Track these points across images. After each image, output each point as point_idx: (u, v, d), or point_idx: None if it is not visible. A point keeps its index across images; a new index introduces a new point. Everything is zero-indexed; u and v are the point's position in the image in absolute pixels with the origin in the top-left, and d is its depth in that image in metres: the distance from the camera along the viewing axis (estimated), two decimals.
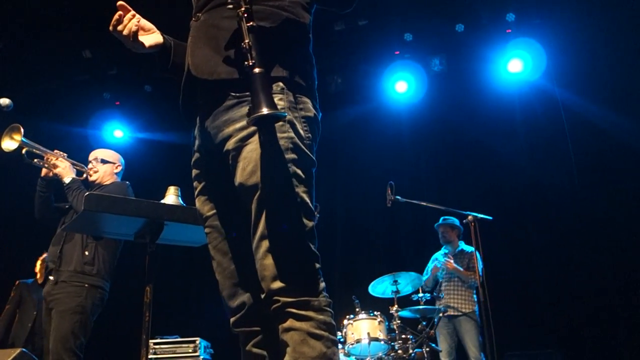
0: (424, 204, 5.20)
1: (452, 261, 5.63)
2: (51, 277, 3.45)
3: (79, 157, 3.86)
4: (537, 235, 6.85)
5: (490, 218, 5.01)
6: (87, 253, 3.44)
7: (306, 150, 1.79)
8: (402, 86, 7.28)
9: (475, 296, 5.55)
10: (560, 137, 6.82)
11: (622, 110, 6.48)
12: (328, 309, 1.81)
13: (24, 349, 1.86)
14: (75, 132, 7.48)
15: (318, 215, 5.55)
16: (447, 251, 5.87)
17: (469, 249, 5.75)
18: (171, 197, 2.51)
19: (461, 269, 5.54)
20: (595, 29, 6.62)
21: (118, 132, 7.93)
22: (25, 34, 6.61)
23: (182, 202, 2.52)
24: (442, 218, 6.00)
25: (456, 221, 5.91)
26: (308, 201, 1.75)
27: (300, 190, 1.73)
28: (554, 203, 6.87)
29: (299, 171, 1.74)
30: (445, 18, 6.88)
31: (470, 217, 4.97)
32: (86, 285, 3.39)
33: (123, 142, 7.89)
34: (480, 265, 5.52)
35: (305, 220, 1.73)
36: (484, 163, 7.09)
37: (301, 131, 1.78)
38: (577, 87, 6.75)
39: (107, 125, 7.86)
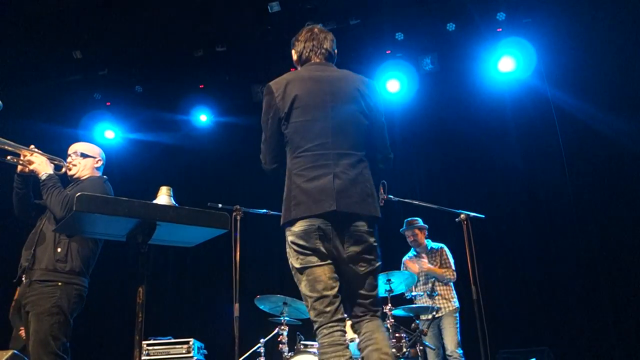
0: (417, 202, 5.19)
1: (426, 261, 5.66)
2: (24, 278, 3.34)
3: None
4: (529, 233, 6.88)
5: (483, 216, 5.02)
6: (59, 250, 3.32)
7: None
8: (393, 85, 7.29)
9: (454, 292, 5.58)
10: (552, 136, 6.86)
11: (613, 108, 6.53)
12: None
13: (15, 351, 1.84)
14: (66, 132, 7.43)
15: None
16: (415, 253, 5.89)
17: (437, 245, 5.83)
18: (163, 197, 2.48)
19: (436, 268, 5.56)
20: (585, 28, 6.66)
21: (109, 132, 7.90)
22: (15, 34, 6.57)
23: (174, 202, 2.49)
24: (406, 221, 6.00)
25: (421, 220, 5.93)
26: None
27: None
28: (546, 201, 6.91)
29: None
30: (437, 17, 6.90)
31: (462, 216, 4.96)
32: (59, 283, 3.26)
33: (114, 143, 7.85)
34: (451, 259, 5.55)
35: None
36: (475, 162, 7.12)
37: None
38: (568, 86, 6.79)
39: (98, 126, 7.82)
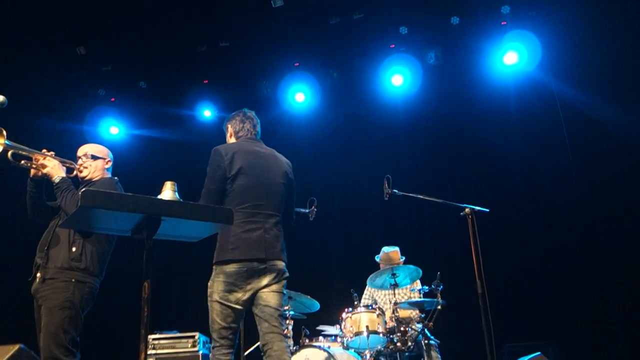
0: (421, 197, 5.19)
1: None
2: (38, 275, 3.40)
3: (75, 154, 3.82)
4: (534, 227, 6.86)
5: (487, 210, 5.01)
6: (74, 249, 3.39)
7: None
8: (397, 79, 7.28)
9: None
10: (557, 129, 6.84)
11: (618, 101, 6.50)
12: None
13: (22, 345, 1.86)
14: (71, 128, 7.47)
15: (315, 210, 5.56)
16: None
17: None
18: (168, 192, 2.49)
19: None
20: (591, 20, 6.63)
21: (114, 128, 7.92)
22: (19, 31, 6.58)
23: (178, 197, 2.50)
24: (384, 249, 5.76)
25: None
26: None
27: None
28: (551, 194, 6.89)
29: None
30: (441, 11, 6.88)
31: (467, 210, 4.96)
32: (73, 280, 3.34)
33: (119, 139, 7.88)
34: (420, 287, 5.30)
35: None
36: (480, 155, 7.11)
37: None
38: (573, 79, 6.76)
39: (103, 122, 7.85)
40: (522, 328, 6.41)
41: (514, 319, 6.42)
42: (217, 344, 3.21)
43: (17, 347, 1.85)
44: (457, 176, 7.12)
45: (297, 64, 7.52)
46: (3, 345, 1.90)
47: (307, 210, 5.59)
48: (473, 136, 7.07)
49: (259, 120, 3.77)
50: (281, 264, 3.35)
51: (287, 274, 3.39)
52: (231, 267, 3.20)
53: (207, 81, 7.75)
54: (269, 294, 3.26)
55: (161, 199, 2.43)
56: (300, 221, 5.83)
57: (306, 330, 4.96)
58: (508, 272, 6.61)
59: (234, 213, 2.98)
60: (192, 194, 3.25)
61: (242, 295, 3.24)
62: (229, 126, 3.77)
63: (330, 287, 6.72)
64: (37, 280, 3.40)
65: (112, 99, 7.90)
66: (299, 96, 7.58)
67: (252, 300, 3.28)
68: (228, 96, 7.73)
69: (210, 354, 3.24)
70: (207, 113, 7.85)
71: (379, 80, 7.38)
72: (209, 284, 3.31)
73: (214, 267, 3.31)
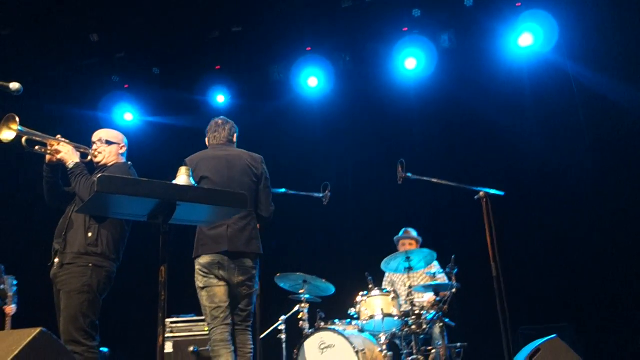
0: (435, 180, 5.17)
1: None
2: (57, 260, 3.45)
3: (90, 140, 3.84)
4: (549, 209, 6.82)
5: (502, 193, 4.99)
6: (90, 235, 3.42)
7: None
8: (411, 63, 7.22)
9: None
10: (572, 110, 6.75)
11: (636, 83, 6.39)
12: None
13: (43, 329, 1.89)
14: (86, 115, 7.52)
15: (329, 194, 5.57)
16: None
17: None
18: (182, 177, 2.51)
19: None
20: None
21: (128, 114, 7.96)
22: (32, 19, 6.62)
23: (193, 182, 2.52)
24: (403, 230, 5.88)
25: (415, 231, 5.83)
26: None
27: None
28: (566, 177, 6.83)
29: None
30: None
31: (482, 193, 4.94)
32: (90, 265, 3.38)
33: (133, 125, 7.92)
34: (440, 270, 5.32)
35: None
36: (494, 138, 7.05)
37: None
38: (590, 60, 6.66)
39: (117, 108, 7.89)
40: (537, 311, 6.40)
41: (529, 302, 6.41)
42: (212, 326, 3.62)
43: (38, 330, 1.89)
44: (471, 159, 7.08)
45: (310, 49, 7.48)
46: (24, 329, 1.94)
47: (320, 195, 5.59)
48: (487, 119, 7.01)
49: (229, 125, 4.12)
50: (249, 262, 3.75)
51: (254, 272, 3.81)
52: (204, 259, 3.68)
53: (219, 67, 7.74)
54: (241, 297, 3.78)
55: (176, 184, 2.45)
56: (314, 206, 5.86)
57: (321, 313, 5.00)
58: (523, 255, 6.59)
59: None
60: None
61: (218, 281, 3.68)
62: (207, 135, 4.19)
63: (345, 270, 6.74)
64: (56, 265, 3.44)
65: (126, 86, 7.93)
66: (312, 80, 7.56)
67: (230, 287, 3.72)
68: (241, 81, 7.72)
69: (210, 337, 3.63)
70: (220, 99, 7.85)
71: (392, 64, 7.32)
72: (195, 278, 3.77)
73: (194, 262, 3.78)
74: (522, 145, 6.94)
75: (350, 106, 7.50)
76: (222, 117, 4.18)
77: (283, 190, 5.45)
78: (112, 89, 7.84)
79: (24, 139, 3.38)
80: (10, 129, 3.31)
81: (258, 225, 3.93)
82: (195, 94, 7.78)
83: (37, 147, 3.48)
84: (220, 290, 3.66)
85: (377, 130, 7.41)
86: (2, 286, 5.28)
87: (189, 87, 7.75)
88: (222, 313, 3.63)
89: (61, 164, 3.51)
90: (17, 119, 3.31)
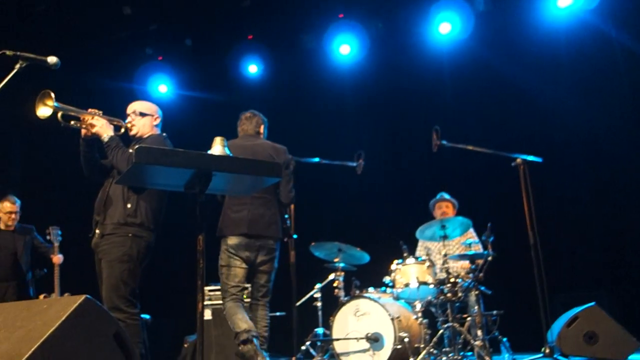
0: (471, 148, 5.09)
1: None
2: (97, 231, 3.53)
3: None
4: (588, 176, 6.66)
5: (540, 160, 4.89)
6: (129, 206, 3.48)
7: None
8: (445, 27, 7.07)
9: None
10: (614, 76, 6.52)
11: None
12: None
13: (88, 296, 1.96)
14: (122, 87, 7.61)
15: (363, 163, 5.55)
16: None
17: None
18: (218, 147, 2.53)
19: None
20: None
21: (162, 87, 8.03)
22: None
23: (228, 152, 2.54)
24: (440, 194, 5.81)
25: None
26: None
27: None
28: (606, 143, 6.63)
29: None
30: None
31: (518, 160, 4.86)
32: (130, 235, 3.45)
33: (167, 97, 7.99)
34: (476, 241, 5.26)
35: None
36: (532, 104, 6.86)
37: None
38: (634, 21, 6.38)
39: (151, 80, 7.97)
40: (575, 278, 6.32)
41: (567, 270, 6.33)
42: (228, 299, 4.00)
43: (83, 297, 1.95)
44: (507, 126, 6.92)
45: (342, 15, 7.38)
46: (71, 296, 2.00)
47: (354, 164, 5.58)
48: (524, 84, 6.82)
49: (255, 119, 4.38)
50: (271, 243, 4.09)
51: (275, 253, 4.16)
52: (231, 240, 4.00)
53: (251, 36, 7.71)
54: (261, 274, 4.11)
55: (211, 154, 2.47)
56: (348, 175, 5.85)
57: (356, 281, 5.03)
58: (561, 223, 6.47)
59: (228, 199, 4.08)
60: None
61: (241, 263, 4.01)
62: (238, 127, 4.45)
63: (380, 239, 6.75)
64: (97, 236, 3.53)
65: (160, 58, 7.99)
66: (344, 48, 7.47)
67: (252, 267, 4.07)
68: (273, 50, 7.69)
69: (224, 305, 4.02)
70: (252, 69, 7.84)
71: (426, 29, 7.18)
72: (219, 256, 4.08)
73: (220, 241, 4.08)
74: (560, 111, 6.75)
75: (384, 73, 7.39)
76: (250, 110, 4.43)
77: (316, 159, 5.46)
78: (146, 61, 7.90)
79: (59, 114, 3.43)
80: (46, 105, 3.36)
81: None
82: (227, 64, 7.79)
83: (72, 122, 3.52)
84: (241, 272, 4.02)
85: (411, 97, 7.29)
86: (48, 237, 5.50)
87: (222, 58, 7.76)
88: (239, 292, 4.03)
89: (96, 137, 3.55)
90: (53, 95, 3.35)
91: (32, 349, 1.72)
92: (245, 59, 7.75)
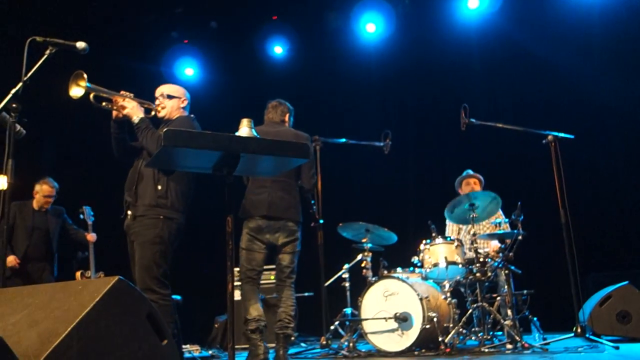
0: (500, 125, 5.01)
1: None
2: (129, 212, 3.59)
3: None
4: (621, 153, 6.51)
5: (572, 137, 4.79)
6: (160, 187, 3.52)
7: None
8: (473, 2, 6.96)
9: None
10: None
11: None
12: None
13: (121, 277, 1.99)
14: (150, 70, 7.67)
15: (390, 143, 5.51)
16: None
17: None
18: (245, 129, 2.53)
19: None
20: None
21: (189, 69, 8.08)
22: None
23: (255, 134, 2.54)
24: (466, 171, 5.71)
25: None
26: None
27: None
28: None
29: None
30: None
31: (550, 137, 4.76)
32: (161, 217, 3.48)
33: (194, 79, 8.03)
34: (505, 220, 5.17)
35: None
36: (562, 80, 6.71)
37: None
38: None
39: (178, 64, 8.01)
40: (607, 257, 6.22)
41: (599, 249, 6.23)
42: (244, 282, 4.13)
43: (116, 278, 1.99)
44: (538, 102, 6.79)
45: None
46: (105, 277, 2.04)
47: (381, 144, 5.54)
48: (554, 59, 6.66)
49: (281, 108, 4.47)
50: (292, 225, 4.15)
51: (297, 234, 4.20)
52: (252, 223, 4.11)
53: (276, 17, 7.67)
54: (284, 255, 4.17)
55: (239, 136, 2.47)
56: (375, 155, 5.82)
57: (384, 262, 5.03)
58: (593, 201, 6.36)
59: (250, 182, 4.23)
60: None
61: (260, 247, 4.12)
62: (265, 115, 4.55)
63: (407, 219, 6.73)
64: (129, 217, 3.59)
65: (185, 41, 8.02)
66: (370, 26, 7.40)
67: (273, 250, 4.17)
68: (298, 31, 7.65)
69: (241, 287, 4.17)
70: (277, 50, 7.82)
71: (453, 4, 7.05)
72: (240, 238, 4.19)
73: (243, 223, 4.19)
74: (592, 86, 6.58)
75: (410, 51, 7.29)
76: (277, 99, 4.54)
77: (343, 140, 5.43)
78: (173, 44, 7.94)
79: (91, 95, 3.48)
80: (79, 85, 3.41)
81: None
82: (253, 46, 7.78)
83: (104, 104, 3.57)
84: (259, 256, 4.14)
85: (439, 75, 7.19)
86: (81, 216, 5.62)
87: (247, 40, 7.75)
88: (256, 275, 4.15)
89: (127, 119, 3.60)
90: (85, 76, 3.40)
91: (69, 329, 1.77)
92: (271, 40, 7.74)
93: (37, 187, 5.69)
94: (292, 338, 4.21)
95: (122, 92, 3.60)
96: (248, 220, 4.13)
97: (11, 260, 5.33)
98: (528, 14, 6.84)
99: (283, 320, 4.10)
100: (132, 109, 3.57)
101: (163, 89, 3.87)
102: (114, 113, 3.63)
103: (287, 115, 4.50)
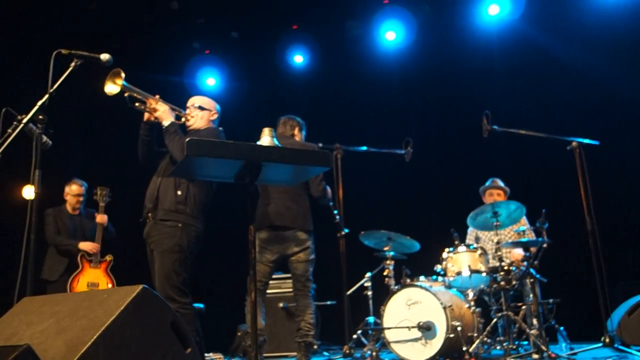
0: (524, 132, 4.96)
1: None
2: (149, 217, 3.61)
3: (178, 105, 3.96)
4: None
5: (597, 143, 4.72)
6: (179, 193, 3.54)
7: None
8: (494, 9, 6.93)
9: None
10: None
11: None
12: None
13: (145, 286, 2.01)
14: (172, 82, 7.75)
15: (411, 150, 5.49)
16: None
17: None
18: (266, 138, 2.55)
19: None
20: None
21: (210, 80, 8.16)
22: None
23: (277, 143, 2.55)
24: (490, 180, 5.66)
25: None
26: None
27: None
28: None
29: None
30: None
31: (574, 144, 4.71)
32: (179, 224, 3.50)
33: (215, 90, 8.10)
34: (529, 227, 5.10)
35: None
36: (587, 85, 6.60)
37: None
38: None
39: (200, 74, 8.10)
40: (636, 265, 6.09)
41: (627, 256, 6.10)
42: (249, 292, 4.04)
43: (140, 287, 2.01)
44: (562, 108, 6.69)
45: (387, 1, 7.29)
46: (128, 286, 2.06)
47: (403, 151, 5.53)
48: (578, 64, 6.57)
49: (294, 122, 4.56)
50: (301, 234, 4.17)
51: (308, 243, 4.20)
52: (262, 234, 4.17)
53: (296, 26, 7.72)
54: (297, 264, 4.19)
55: (260, 145, 2.49)
56: (397, 162, 5.80)
57: (407, 270, 5.00)
58: (619, 208, 6.24)
59: (260, 193, 4.27)
60: None
61: (270, 256, 4.17)
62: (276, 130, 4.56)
63: (429, 226, 6.67)
64: (148, 223, 3.62)
65: (207, 51, 8.10)
66: (390, 34, 7.40)
67: (283, 261, 4.23)
68: (318, 40, 7.68)
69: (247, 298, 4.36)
70: (298, 59, 7.86)
71: (474, 11, 7.02)
72: None
73: None
74: (618, 91, 6.47)
75: (431, 58, 7.27)
76: (288, 115, 4.62)
77: (364, 148, 5.43)
78: (194, 54, 8.03)
79: (126, 95, 3.53)
80: (115, 83, 3.46)
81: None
82: (273, 56, 7.83)
83: (137, 104, 3.62)
84: (265, 269, 4.19)
85: (460, 81, 7.15)
86: (95, 197, 5.56)
87: (267, 49, 7.80)
88: (262, 286, 4.22)
89: (157, 122, 3.64)
90: (123, 75, 3.45)
91: (95, 337, 1.79)
92: (291, 49, 7.78)
93: (67, 189, 5.70)
94: (315, 347, 4.20)
95: (156, 96, 3.65)
96: (258, 232, 4.19)
97: (91, 247, 5.32)
98: (551, 17, 6.77)
99: (303, 328, 4.11)
100: (163, 112, 3.62)
101: (195, 100, 3.92)
102: (146, 115, 3.68)
103: (297, 129, 4.57)
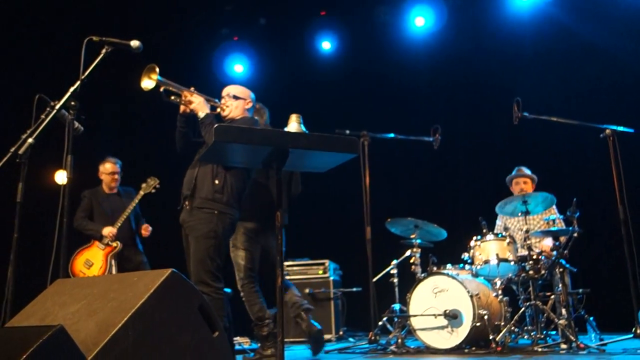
0: (555, 119, 4.86)
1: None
2: (186, 204, 3.67)
3: (206, 92, 4.00)
4: None
5: (632, 131, 4.61)
6: (217, 182, 3.59)
7: None
8: None
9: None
10: None
11: None
12: None
13: (174, 270, 2.04)
14: (201, 68, 7.80)
15: (440, 137, 5.44)
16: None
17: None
18: (294, 124, 2.55)
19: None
20: None
21: (238, 66, 8.18)
22: None
23: (304, 129, 2.55)
24: (516, 168, 5.54)
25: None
26: None
27: None
28: None
29: None
30: None
31: (608, 131, 4.60)
32: (216, 212, 3.55)
33: (243, 76, 8.13)
34: (559, 216, 4.98)
35: None
36: (621, 71, 6.43)
37: None
38: None
39: (228, 60, 8.13)
40: None
41: None
42: (247, 281, 4.28)
43: (169, 271, 2.04)
44: (595, 95, 6.53)
45: None
46: (157, 269, 2.10)
47: (431, 139, 5.48)
48: (612, 49, 6.40)
49: (262, 111, 4.58)
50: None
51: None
52: (250, 225, 4.30)
53: (324, 12, 7.68)
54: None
55: (288, 132, 2.49)
56: (425, 150, 5.76)
57: (434, 258, 4.97)
58: None
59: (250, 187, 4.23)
60: (316, 126, 3.29)
61: (259, 247, 4.33)
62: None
63: (457, 215, 6.62)
64: (185, 210, 3.68)
65: (235, 38, 8.12)
66: (419, 20, 7.31)
67: (267, 252, 4.37)
68: (346, 26, 7.63)
69: (243, 290, 4.29)
70: (326, 45, 7.83)
71: None
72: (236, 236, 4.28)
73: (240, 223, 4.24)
74: None
75: (460, 44, 7.16)
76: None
77: (392, 135, 5.39)
78: (222, 41, 8.06)
79: (161, 89, 3.58)
80: (150, 78, 3.52)
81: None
82: (301, 42, 7.81)
83: (172, 97, 3.68)
84: (258, 256, 4.35)
85: (489, 68, 7.03)
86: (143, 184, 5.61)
87: (295, 36, 7.79)
88: (256, 274, 4.32)
89: (193, 114, 3.69)
90: (157, 69, 3.50)
91: (125, 319, 1.83)
92: (319, 35, 7.75)
93: (101, 168, 5.66)
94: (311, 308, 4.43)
95: (191, 88, 3.70)
96: (245, 222, 4.24)
97: (108, 231, 5.28)
98: (584, 1, 6.60)
99: (295, 302, 4.32)
100: (198, 104, 3.66)
101: (230, 89, 3.95)
102: (182, 107, 3.73)
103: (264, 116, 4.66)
